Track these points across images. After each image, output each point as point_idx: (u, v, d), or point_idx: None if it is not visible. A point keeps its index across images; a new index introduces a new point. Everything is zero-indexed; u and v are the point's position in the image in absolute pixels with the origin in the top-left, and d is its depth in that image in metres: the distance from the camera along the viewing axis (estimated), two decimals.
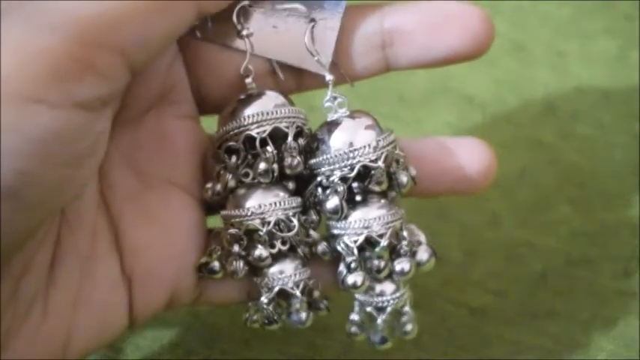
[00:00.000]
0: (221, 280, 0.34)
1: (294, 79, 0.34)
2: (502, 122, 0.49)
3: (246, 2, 0.33)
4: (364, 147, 0.32)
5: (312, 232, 0.34)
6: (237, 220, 0.33)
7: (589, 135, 0.48)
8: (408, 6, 0.33)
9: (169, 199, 0.33)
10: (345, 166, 0.32)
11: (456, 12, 0.32)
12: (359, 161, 0.32)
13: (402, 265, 0.34)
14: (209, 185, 0.33)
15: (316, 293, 0.34)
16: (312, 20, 0.33)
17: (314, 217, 0.34)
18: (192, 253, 0.34)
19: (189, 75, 0.34)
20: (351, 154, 0.32)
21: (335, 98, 0.34)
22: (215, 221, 0.35)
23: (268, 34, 0.33)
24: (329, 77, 0.34)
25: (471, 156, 0.35)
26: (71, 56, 0.25)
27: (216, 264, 0.33)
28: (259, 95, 0.33)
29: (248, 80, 0.33)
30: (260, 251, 0.33)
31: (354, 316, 0.35)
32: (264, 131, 0.32)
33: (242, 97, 0.33)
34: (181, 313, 0.41)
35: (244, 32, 0.33)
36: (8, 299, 0.28)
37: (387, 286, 0.34)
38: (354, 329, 0.35)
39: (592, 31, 0.51)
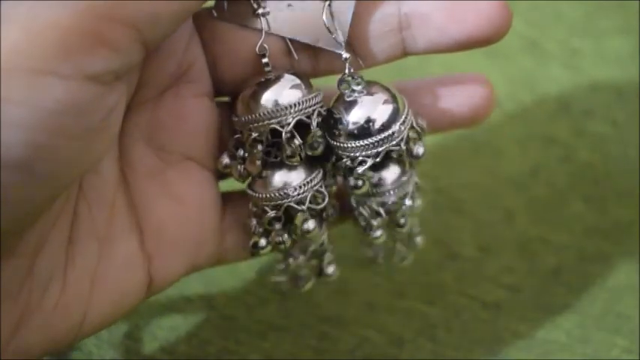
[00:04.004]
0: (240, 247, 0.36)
1: (309, 61, 0.35)
2: (516, 119, 0.49)
3: None
4: (389, 136, 0.33)
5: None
6: (274, 203, 0.34)
7: (602, 133, 0.48)
8: None
9: (188, 174, 0.34)
10: (370, 155, 0.33)
11: None
12: (385, 148, 0.33)
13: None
14: (226, 161, 0.34)
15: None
16: None
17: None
18: (210, 227, 0.34)
19: (205, 54, 0.34)
20: (377, 144, 0.33)
21: (352, 77, 0.33)
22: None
23: (284, 13, 0.34)
24: (345, 55, 0.33)
25: (468, 99, 0.35)
26: (82, 29, 0.25)
27: (263, 241, 0.35)
28: (278, 79, 0.33)
29: (265, 60, 0.33)
30: (307, 225, 0.34)
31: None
32: (289, 124, 0.32)
33: (261, 80, 0.33)
34: (197, 304, 0.42)
35: (260, 11, 0.33)
36: (24, 276, 0.29)
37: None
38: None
39: (606, 30, 0.51)
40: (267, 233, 0.35)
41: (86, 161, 0.28)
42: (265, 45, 0.33)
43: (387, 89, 0.34)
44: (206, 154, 0.34)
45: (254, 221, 0.35)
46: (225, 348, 0.40)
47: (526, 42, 0.51)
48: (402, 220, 0.35)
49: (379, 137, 0.33)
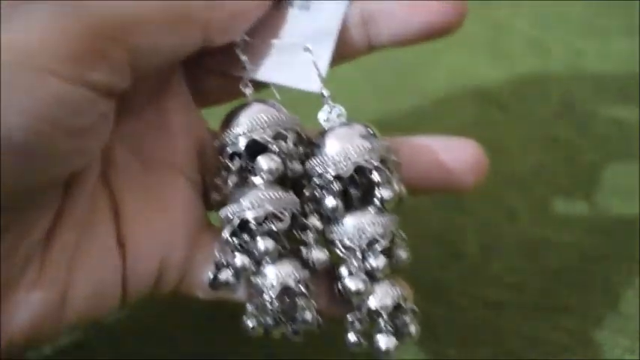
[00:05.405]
0: (208, 266, 0.35)
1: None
2: (520, 119, 0.49)
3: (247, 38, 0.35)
4: (359, 147, 0.33)
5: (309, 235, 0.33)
6: (232, 214, 0.33)
7: (606, 133, 0.48)
8: None
9: (167, 178, 0.35)
10: (341, 168, 0.33)
11: None
12: (355, 162, 0.33)
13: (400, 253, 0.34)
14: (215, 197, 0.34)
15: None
16: (307, 49, 0.35)
17: (317, 223, 0.34)
18: (184, 228, 0.35)
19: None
20: (346, 155, 0.33)
21: (332, 111, 0.35)
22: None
23: (265, 58, 0.35)
24: (326, 93, 0.35)
25: (462, 156, 0.36)
26: (91, 42, 0.29)
27: (223, 275, 0.34)
28: (258, 102, 0.34)
29: (248, 91, 0.35)
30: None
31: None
32: (270, 135, 0.33)
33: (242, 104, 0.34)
34: (202, 302, 0.41)
35: (242, 57, 0.35)
36: (7, 254, 0.30)
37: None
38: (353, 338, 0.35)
39: (610, 30, 0.52)
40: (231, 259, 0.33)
41: (78, 159, 0.31)
42: (248, 83, 0.35)
43: (367, 125, 0.34)
44: (186, 161, 0.35)
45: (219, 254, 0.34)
46: (230, 346, 0.40)
47: (530, 42, 0.51)
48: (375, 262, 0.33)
49: (349, 148, 0.33)
